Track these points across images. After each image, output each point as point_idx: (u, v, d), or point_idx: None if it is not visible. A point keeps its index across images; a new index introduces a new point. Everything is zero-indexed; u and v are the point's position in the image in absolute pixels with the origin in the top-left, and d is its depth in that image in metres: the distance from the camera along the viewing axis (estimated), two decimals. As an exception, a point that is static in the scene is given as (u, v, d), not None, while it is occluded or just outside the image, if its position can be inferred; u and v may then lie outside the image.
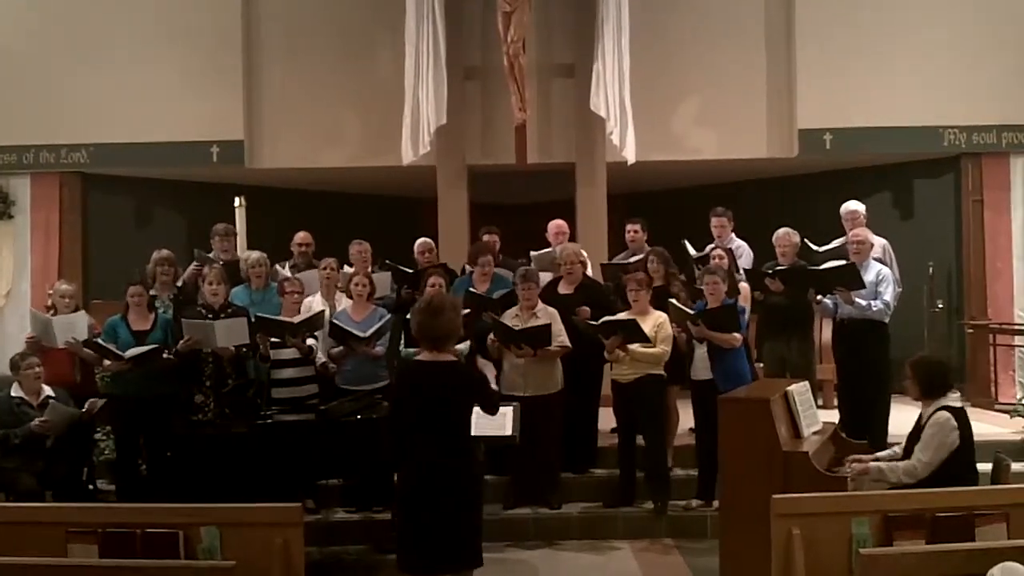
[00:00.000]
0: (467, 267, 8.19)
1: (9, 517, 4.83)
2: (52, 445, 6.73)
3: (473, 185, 10.38)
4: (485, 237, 8.49)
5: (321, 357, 7.24)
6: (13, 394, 6.85)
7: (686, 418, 7.66)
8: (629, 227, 8.70)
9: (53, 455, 6.75)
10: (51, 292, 8.06)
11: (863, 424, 7.22)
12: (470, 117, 10.28)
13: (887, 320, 7.60)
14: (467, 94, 10.24)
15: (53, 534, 4.53)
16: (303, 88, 10.57)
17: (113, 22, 10.49)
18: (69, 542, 4.49)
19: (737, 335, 7.07)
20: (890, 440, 6.76)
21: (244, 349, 7.05)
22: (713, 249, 8.20)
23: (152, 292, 7.48)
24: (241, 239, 9.12)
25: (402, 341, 7.24)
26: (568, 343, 7.17)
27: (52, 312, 7.56)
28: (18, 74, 10.36)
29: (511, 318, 7.20)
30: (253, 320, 7.00)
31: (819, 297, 7.62)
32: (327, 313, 7.35)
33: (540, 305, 7.26)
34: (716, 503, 6.33)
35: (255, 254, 7.98)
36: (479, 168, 10.33)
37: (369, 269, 7.91)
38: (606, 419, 7.73)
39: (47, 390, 6.92)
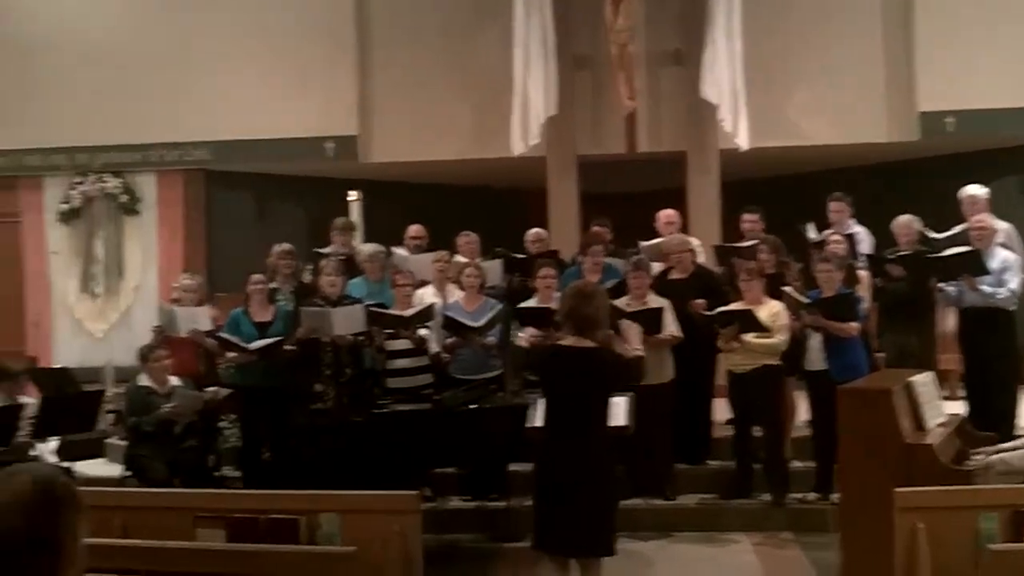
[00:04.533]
0: (577, 257, 8.17)
1: (141, 502, 5.05)
2: (180, 433, 6.99)
3: (582, 175, 10.36)
4: (595, 227, 8.46)
5: (434, 347, 7.34)
6: (142, 384, 7.13)
7: (801, 409, 7.52)
8: (746, 217, 8.48)
9: (182, 443, 7.01)
10: (176, 286, 8.37)
11: (991, 415, 6.97)
12: (579, 107, 10.25)
13: (1013, 308, 7.32)
14: (576, 84, 10.22)
15: (182, 519, 4.71)
16: (414, 82, 10.69)
17: (231, 22, 10.80)
18: (197, 527, 4.65)
19: (854, 324, 6.89)
20: (1018, 432, 6.52)
21: (360, 338, 7.19)
22: (831, 235, 7.98)
23: (273, 284, 7.69)
24: (358, 232, 9.29)
25: (513, 329, 7.29)
26: (679, 333, 7.10)
27: (177, 305, 7.85)
28: (143, 76, 10.73)
29: (623, 305, 7.17)
30: (368, 312, 7.13)
31: (941, 285, 7.38)
32: (439, 304, 7.45)
33: (651, 295, 7.20)
34: (834, 496, 6.20)
35: (370, 247, 8.13)
36: (588, 158, 10.30)
37: (478, 260, 7.97)
38: (720, 410, 7.63)
39: (173, 380, 7.18)
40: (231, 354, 7.29)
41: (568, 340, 4.77)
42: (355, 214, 9.66)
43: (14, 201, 11.28)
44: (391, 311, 7.26)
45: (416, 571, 4.61)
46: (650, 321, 6.86)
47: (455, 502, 7.37)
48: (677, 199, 9.60)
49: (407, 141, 10.71)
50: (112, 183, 11.04)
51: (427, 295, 7.63)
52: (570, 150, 10.25)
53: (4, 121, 10.93)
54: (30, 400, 7.53)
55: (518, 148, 9.65)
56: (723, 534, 6.94)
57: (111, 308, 11.13)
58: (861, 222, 8.41)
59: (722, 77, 9.43)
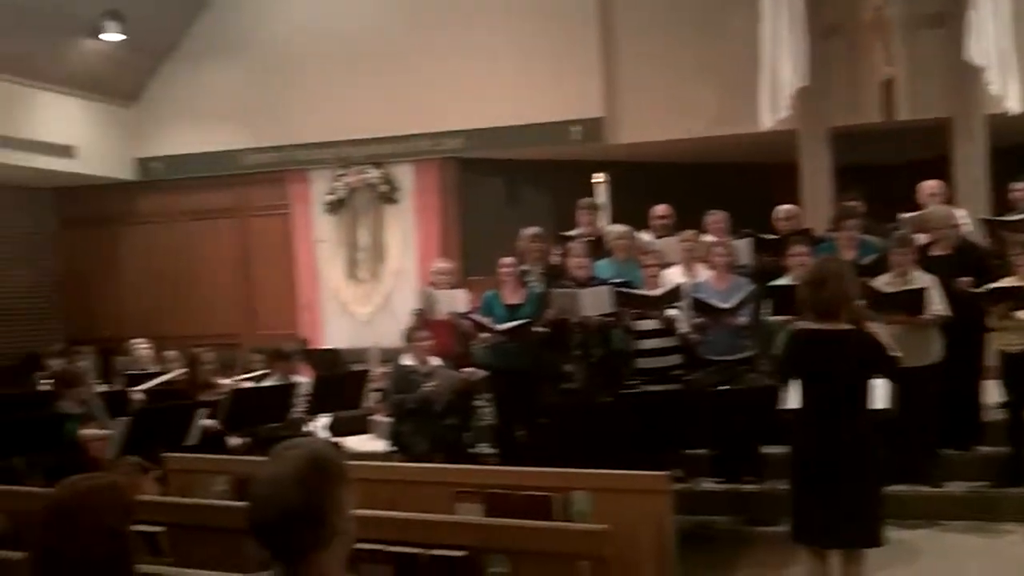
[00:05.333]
0: (830, 233, 7.86)
1: (405, 476, 5.30)
2: (441, 411, 7.30)
3: (835, 146, 9.94)
4: (850, 201, 8.11)
5: (683, 328, 7.28)
6: (405, 363, 7.49)
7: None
8: (1017, 186, 7.88)
9: (442, 420, 7.31)
10: (432, 270, 8.72)
11: None
12: (831, 76, 9.83)
13: None
14: (827, 52, 9.80)
15: (443, 493, 4.90)
16: (659, 61, 10.61)
17: (480, 13, 11.08)
18: (457, 501, 4.84)
19: None
20: None
21: (609, 319, 7.23)
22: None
23: (523, 267, 7.86)
24: (604, 213, 9.34)
25: (764, 309, 7.11)
26: (945, 311, 6.69)
27: (434, 288, 8.18)
28: (399, 71, 11.23)
29: (883, 284, 6.84)
30: (615, 293, 7.17)
31: None
32: (687, 284, 7.38)
33: (915, 272, 6.82)
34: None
35: (618, 227, 8.16)
36: (842, 129, 9.86)
37: (726, 238, 7.83)
38: (991, 392, 7.15)
39: (434, 360, 7.50)
40: (483, 335, 7.53)
41: (815, 323, 4.61)
42: (601, 196, 9.71)
43: (284, 194, 12.12)
44: (639, 291, 7.26)
45: (669, 551, 4.60)
46: (912, 303, 6.53)
47: (707, 484, 7.30)
48: (939, 169, 9.02)
49: (653, 121, 10.64)
50: (373, 174, 11.65)
51: (675, 275, 7.57)
52: (822, 121, 9.84)
53: (274, 120, 11.76)
54: (303, 379, 8.10)
55: (767, 122, 9.38)
56: (996, 524, 6.51)
57: (374, 292, 11.75)
58: None
59: (989, 38, 8.79)
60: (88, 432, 6.73)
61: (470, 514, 4.65)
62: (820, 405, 4.59)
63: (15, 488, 5.15)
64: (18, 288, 12.32)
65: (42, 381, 8.60)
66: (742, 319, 7.06)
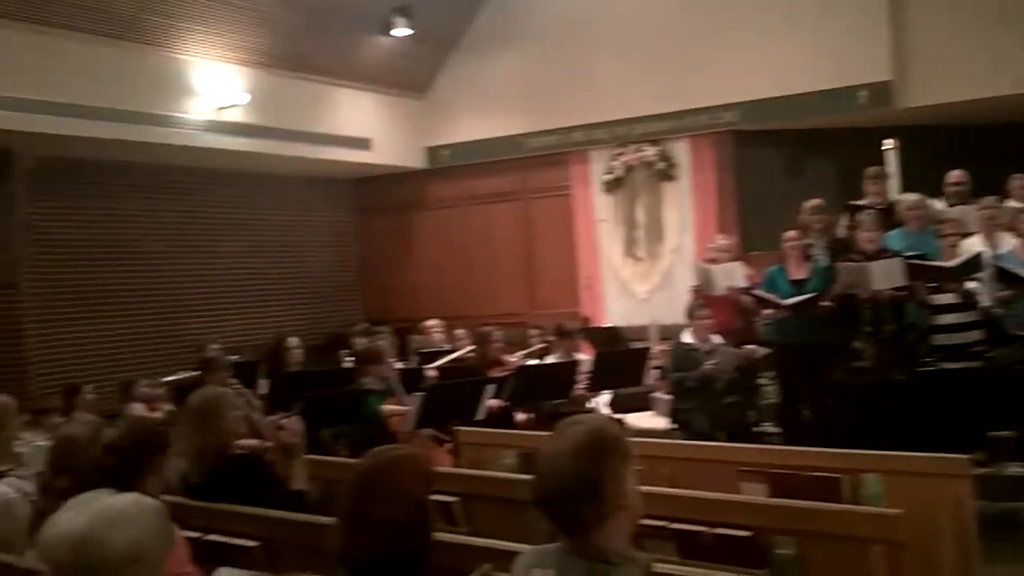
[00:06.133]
0: None
1: (686, 454, 5.30)
2: (722, 389, 7.23)
3: None
4: None
5: (986, 301, 6.80)
6: (685, 340, 7.47)
7: None
8: None
9: (723, 399, 7.24)
10: (711, 246, 8.62)
11: None
12: None
13: None
14: None
15: (725, 472, 4.86)
16: (953, 15, 9.90)
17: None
18: (740, 480, 4.78)
19: None
20: None
21: (901, 293, 6.88)
22: None
23: (807, 241, 7.62)
24: (894, 181, 8.87)
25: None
26: None
27: (712, 264, 8.09)
28: (672, 47, 11.15)
29: None
30: (908, 266, 6.80)
31: None
32: (988, 254, 6.87)
33: None
34: None
35: (911, 196, 7.73)
36: None
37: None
38: None
39: (715, 338, 7.43)
40: (767, 311, 7.37)
41: None
42: (890, 164, 9.20)
43: (565, 175, 12.36)
44: (934, 263, 6.84)
45: (970, 539, 4.33)
46: None
47: (1013, 468, 6.78)
48: None
49: (947, 81, 9.94)
50: (650, 151, 11.65)
51: (974, 245, 7.08)
52: None
53: (554, 103, 12.02)
54: (585, 357, 8.25)
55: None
56: None
57: (653, 270, 11.77)
58: None
59: None
60: (388, 407, 7.18)
61: (754, 494, 4.58)
62: None
63: (324, 458, 5.58)
64: (322, 272, 13.33)
65: (346, 359, 9.22)
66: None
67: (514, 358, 8.54)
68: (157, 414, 7.42)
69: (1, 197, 9.56)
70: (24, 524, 3.59)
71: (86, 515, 2.13)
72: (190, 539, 3.43)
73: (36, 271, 9.91)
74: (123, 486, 3.22)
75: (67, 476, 3.52)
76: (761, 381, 7.84)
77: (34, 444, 5.19)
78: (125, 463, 3.28)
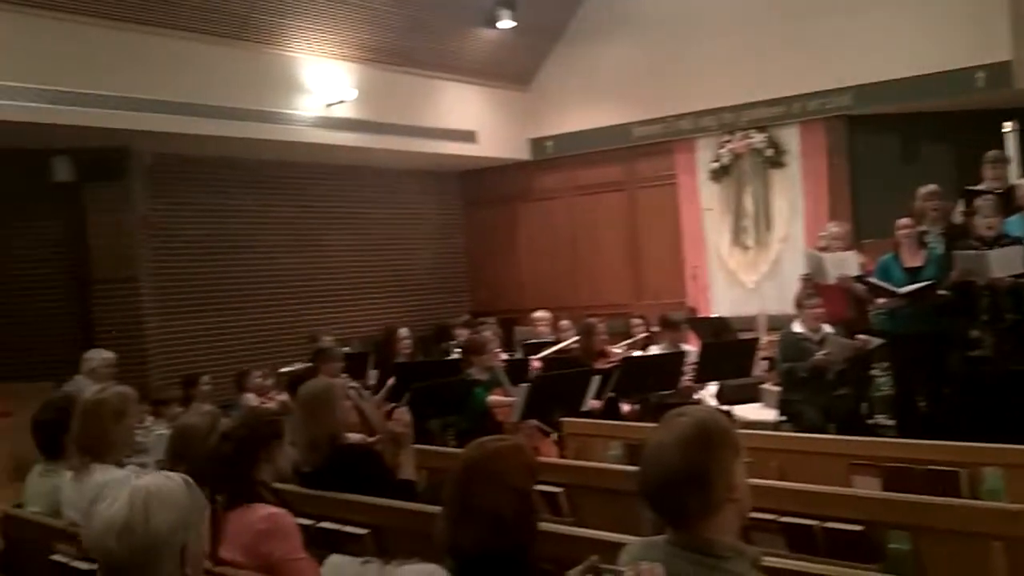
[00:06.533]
0: None
1: (796, 447, 5.21)
2: (833, 380, 7.07)
3: None
4: None
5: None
6: (795, 330, 7.33)
7: None
8: None
9: (834, 390, 7.08)
10: (823, 234, 8.44)
11: None
12: None
13: None
14: None
15: (836, 465, 4.76)
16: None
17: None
18: (852, 473, 4.68)
19: None
20: None
21: (1022, 280, 6.63)
22: None
23: (921, 228, 7.40)
24: (1013, 166, 8.55)
25: None
26: None
27: (823, 252, 7.92)
28: (778, 32, 10.93)
29: None
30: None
31: None
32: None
33: None
34: None
35: (1031, 181, 7.43)
36: None
37: None
38: None
39: (826, 327, 7.27)
40: (881, 300, 7.19)
41: None
42: (1010, 147, 8.86)
43: (670, 164, 12.25)
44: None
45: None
46: None
47: None
48: None
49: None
50: (758, 138, 11.46)
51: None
52: None
53: (659, 91, 11.93)
54: (691, 348, 8.18)
55: None
56: None
57: (761, 259, 11.58)
58: None
59: None
60: (494, 397, 7.24)
61: (866, 487, 4.48)
62: None
63: (432, 448, 5.66)
64: (430, 265, 13.49)
65: (453, 350, 9.33)
66: None
67: (618, 349, 8.51)
68: (271, 404, 7.63)
69: (120, 194, 9.92)
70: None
71: (122, 502, 2.21)
72: (303, 527, 3.53)
73: (154, 266, 10.28)
74: (238, 474, 3.33)
75: (185, 464, 3.64)
76: (874, 372, 7.64)
77: (156, 432, 5.39)
78: (240, 451, 3.38)
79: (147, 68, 8.98)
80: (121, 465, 4.07)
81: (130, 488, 2.24)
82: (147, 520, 2.19)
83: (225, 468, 3.33)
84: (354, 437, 4.88)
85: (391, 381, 6.99)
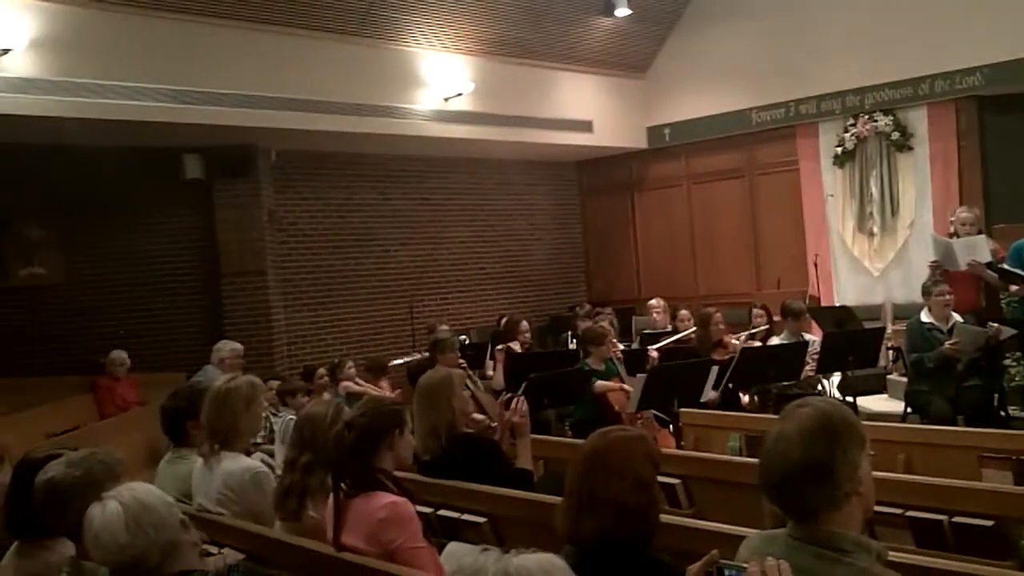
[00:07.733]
0: None
1: (924, 439, 5.06)
2: (962, 371, 6.83)
3: None
4: None
5: None
6: (923, 319, 7.11)
7: None
8: None
9: (964, 381, 6.84)
10: (952, 219, 8.15)
11: None
12: None
13: None
14: None
15: (966, 458, 4.61)
16: None
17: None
18: (982, 466, 4.53)
19: None
20: None
21: None
22: None
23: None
24: None
25: None
26: None
27: (953, 238, 7.65)
28: (907, 7, 10.57)
29: None
30: None
31: None
32: None
33: None
34: None
35: None
36: None
37: None
38: None
39: (955, 316, 7.03)
40: (1014, 287, 6.92)
41: None
42: None
43: (791, 149, 11.98)
44: None
45: None
46: None
47: None
48: None
49: None
50: (883, 121, 11.10)
51: None
52: None
53: (780, 75, 11.70)
54: (814, 337, 8.01)
55: None
56: None
57: (887, 246, 11.25)
58: None
59: None
60: (610, 386, 7.24)
61: (997, 481, 4.33)
62: None
63: (549, 438, 5.70)
64: (547, 255, 13.54)
65: (570, 340, 9.34)
66: None
67: (737, 339, 8.39)
68: (390, 394, 7.78)
69: (248, 190, 10.23)
70: (270, 497, 3.83)
71: (112, 512, 2.47)
72: (422, 515, 3.59)
73: (280, 259, 10.58)
74: (360, 462, 3.41)
75: (310, 451, 3.74)
76: (1006, 362, 7.36)
77: (287, 419, 5.55)
78: (363, 440, 3.45)
79: (270, 66, 9.24)
80: (249, 452, 4.21)
81: (115, 495, 2.51)
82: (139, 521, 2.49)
83: (348, 456, 3.41)
84: (475, 423, 4.93)
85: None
